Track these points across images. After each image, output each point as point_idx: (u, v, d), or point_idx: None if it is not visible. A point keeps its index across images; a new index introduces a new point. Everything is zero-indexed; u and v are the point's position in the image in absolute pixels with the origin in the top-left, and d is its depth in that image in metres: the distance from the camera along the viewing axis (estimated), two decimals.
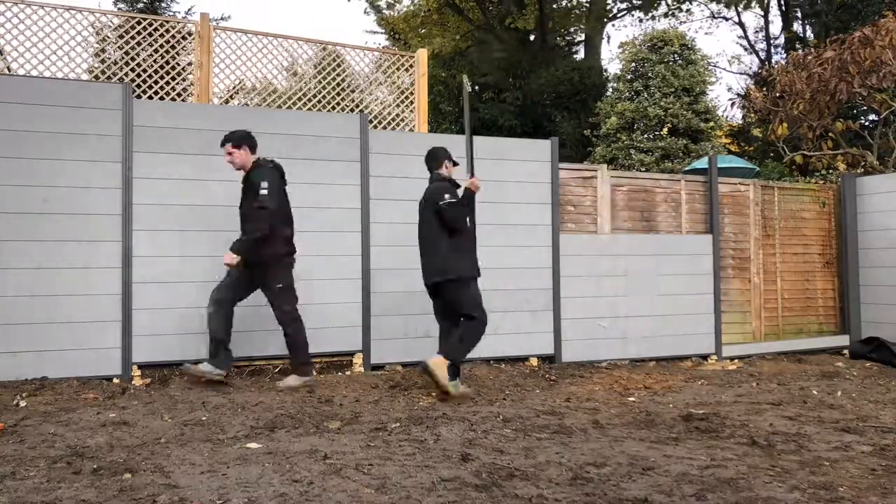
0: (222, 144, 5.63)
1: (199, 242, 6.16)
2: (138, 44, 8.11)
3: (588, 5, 20.87)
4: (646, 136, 13.86)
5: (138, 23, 8.15)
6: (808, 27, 21.80)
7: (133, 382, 5.80)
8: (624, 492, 3.42)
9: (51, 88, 5.90)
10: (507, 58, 18.49)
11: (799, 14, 22.13)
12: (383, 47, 20.34)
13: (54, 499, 3.15)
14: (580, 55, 21.20)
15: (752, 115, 13.18)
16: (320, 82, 8.84)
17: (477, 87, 20.00)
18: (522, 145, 7.52)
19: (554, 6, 21.08)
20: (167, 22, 8.27)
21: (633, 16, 23.61)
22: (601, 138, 14.68)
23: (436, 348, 6.88)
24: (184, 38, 8.25)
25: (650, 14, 22.63)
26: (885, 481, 3.66)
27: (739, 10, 23.80)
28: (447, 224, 5.54)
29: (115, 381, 5.78)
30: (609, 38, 30.12)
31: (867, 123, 15.20)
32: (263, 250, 5.52)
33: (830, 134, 10.92)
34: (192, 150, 6.19)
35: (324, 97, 8.81)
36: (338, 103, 8.91)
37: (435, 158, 5.84)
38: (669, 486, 3.52)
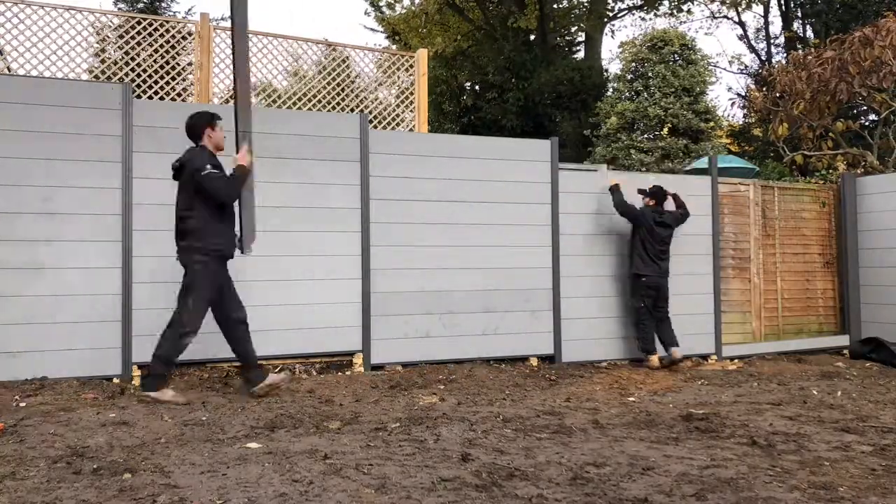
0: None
1: None
2: (138, 44, 8.12)
3: (588, 5, 20.86)
4: (646, 136, 13.86)
5: (138, 23, 8.16)
6: (808, 27, 21.81)
7: (133, 382, 5.80)
8: (624, 492, 3.42)
9: (51, 88, 5.91)
10: (510, 58, 18.49)
11: (799, 14, 22.13)
12: (384, 47, 20.34)
13: (54, 499, 3.15)
14: (580, 55, 21.20)
15: (753, 114, 13.19)
16: (320, 82, 8.84)
17: (478, 87, 20.01)
18: (522, 145, 7.52)
19: (554, 6, 21.08)
20: (167, 22, 8.27)
21: (633, 15, 23.62)
22: (601, 138, 14.69)
23: (436, 348, 6.92)
24: (184, 38, 8.26)
25: (651, 13, 22.63)
26: (885, 481, 3.66)
27: (740, 9, 23.80)
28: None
29: (115, 381, 5.78)
30: (613, 33, 30.11)
31: (867, 123, 15.19)
32: None
33: (830, 134, 10.92)
34: None
35: (324, 97, 8.81)
36: (338, 103, 8.91)
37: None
38: (669, 486, 3.53)
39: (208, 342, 6.16)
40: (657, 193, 7.49)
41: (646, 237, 7.31)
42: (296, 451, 3.97)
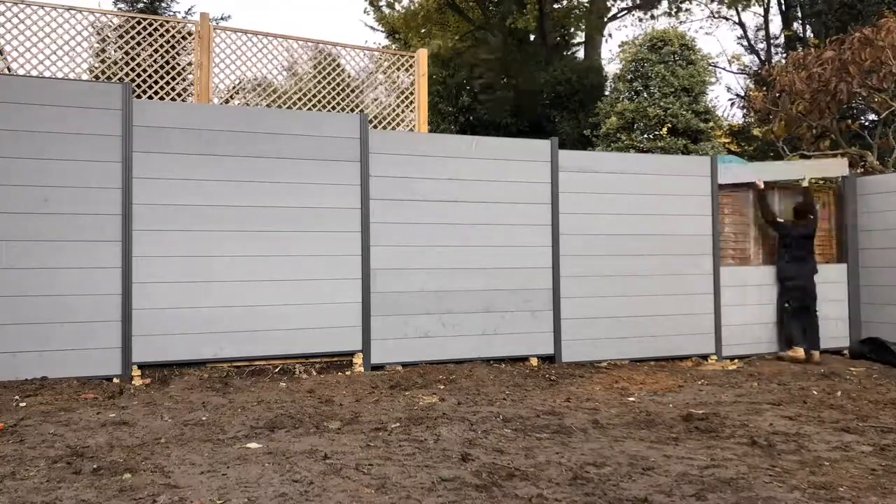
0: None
1: (199, 242, 6.17)
2: (138, 44, 8.11)
3: (588, 5, 20.87)
4: (645, 136, 13.85)
5: (138, 23, 8.15)
6: (808, 27, 21.81)
7: (133, 382, 5.80)
8: (624, 492, 3.42)
9: (51, 88, 5.91)
10: (508, 58, 18.49)
11: (799, 14, 22.14)
12: (383, 47, 20.34)
13: (54, 499, 3.15)
14: (580, 55, 21.20)
15: (752, 115, 13.19)
16: (320, 82, 8.84)
17: (477, 87, 20.01)
18: (522, 145, 7.52)
19: (554, 6, 21.08)
20: (167, 22, 8.27)
21: (633, 15, 23.63)
22: (601, 138, 14.68)
23: (436, 348, 6.95)
24: (184, 38, 8.25)
25: (650, 13, 22.63)
26: (885, 481, 3.67)
27: (739, 9, 23.81)
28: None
29: (115, 381, 5.79)
30: (610, 36, 30.09)
31: (867, 123, 15.19)
32: None
33: (830, 134, 10.91)
34: (191, 150, 6.19)
35: (324, 97, 8.81)
36: (338, 103, 8.91)
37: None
38: (669, 486, 3.53)
39: (208, 342, 6.18)
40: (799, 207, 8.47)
41: (790, 244, 8.25)
42: (296, 451, 3.98)
